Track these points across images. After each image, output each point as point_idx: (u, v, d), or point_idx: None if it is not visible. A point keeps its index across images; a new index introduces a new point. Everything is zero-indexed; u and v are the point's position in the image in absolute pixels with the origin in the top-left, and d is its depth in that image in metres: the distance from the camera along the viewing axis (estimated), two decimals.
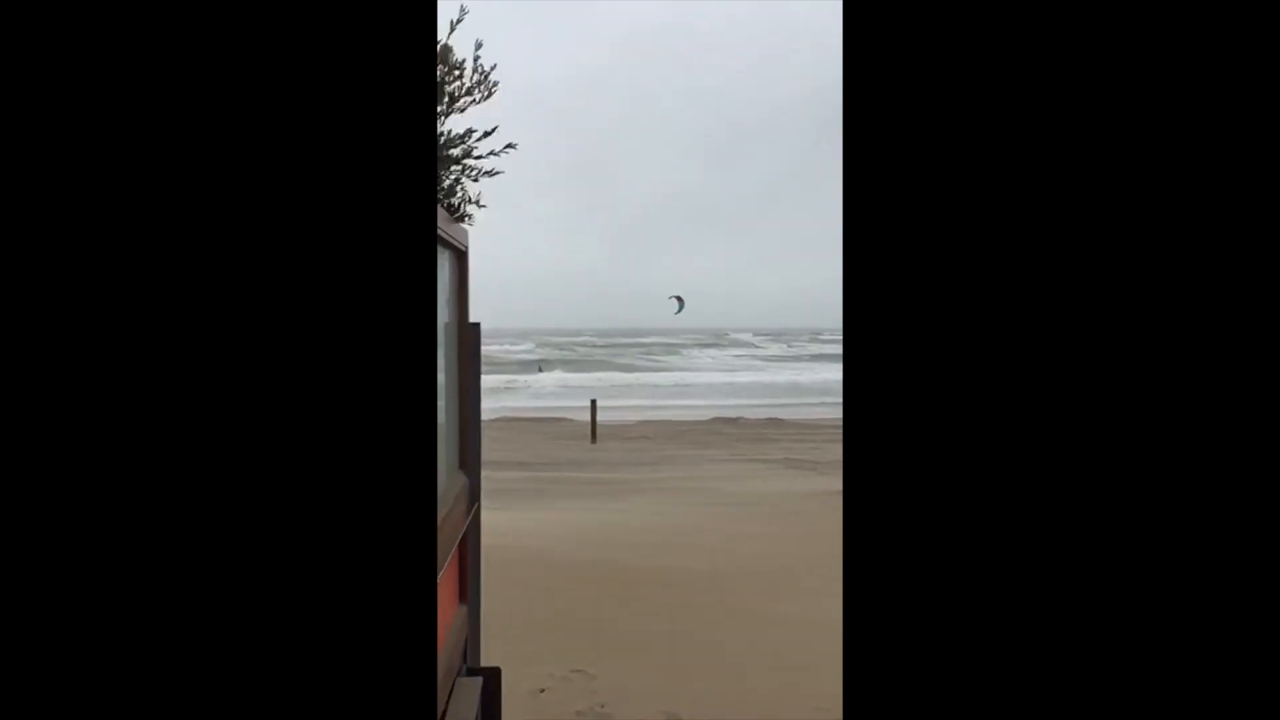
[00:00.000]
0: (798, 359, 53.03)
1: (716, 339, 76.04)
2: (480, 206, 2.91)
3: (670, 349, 61.35)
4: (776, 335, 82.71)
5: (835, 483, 12.20)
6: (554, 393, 31.04)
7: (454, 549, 2.67)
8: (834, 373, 39.17)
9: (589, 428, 17.88)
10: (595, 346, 63.95)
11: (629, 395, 30.09)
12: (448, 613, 2.58)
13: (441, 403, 2.54)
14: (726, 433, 18.95)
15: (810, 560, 7.57)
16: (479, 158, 2.83)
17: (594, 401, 18.20)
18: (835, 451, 15.82)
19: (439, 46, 2.66)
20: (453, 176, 2.86)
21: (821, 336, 74.62)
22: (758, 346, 67.20)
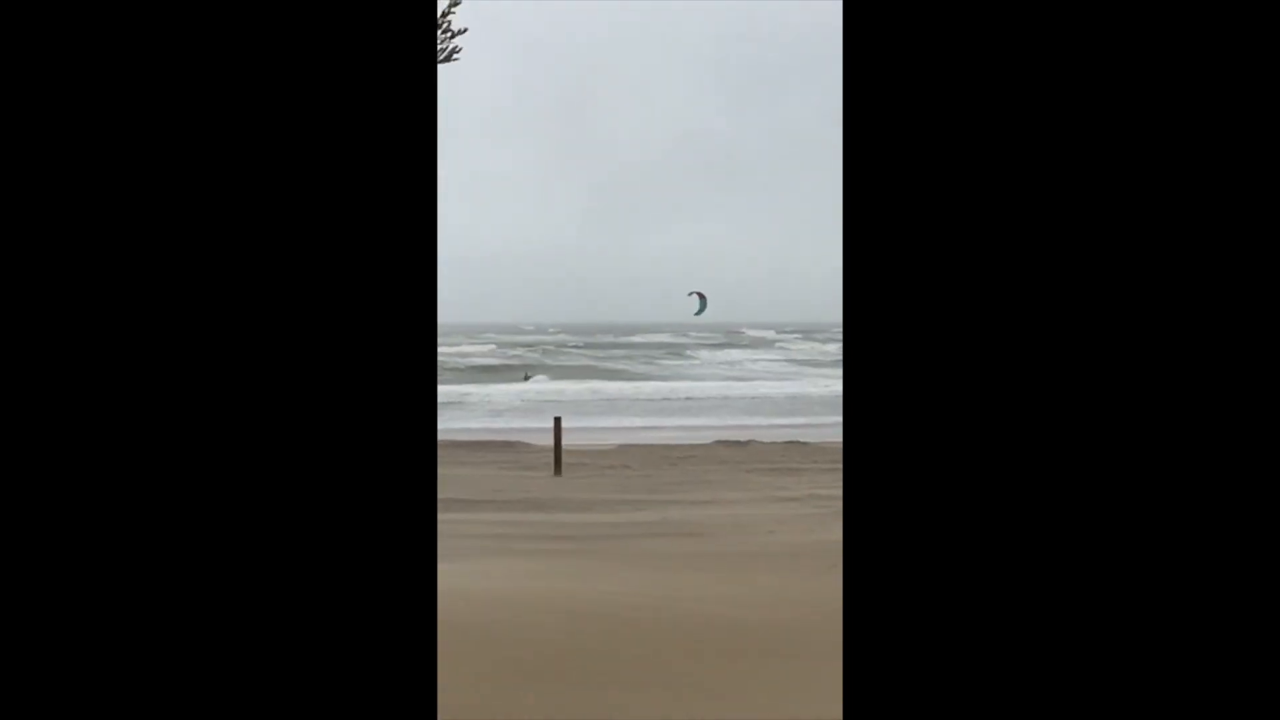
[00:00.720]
0: (833, 363, 44.90)
1: (730, 338, 65.52)
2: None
3: (671, 350, 53.69)
4: (808, 331, 74.00)
5: None
6: (515, 409, 26.23)
7: None
8: None
9: (552, 454, 13.85)
10: (572, 348, 55.31)
11: (608, 412, 25.60)
12: None
13: None
14: (732, 460, 14.97)
15: None
16: None
17: (558, 420, 14.13)
18: None
19: None
20: None
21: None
22: (783, 346, 58.73)
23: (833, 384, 33.18)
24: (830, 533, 8.75)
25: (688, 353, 52.25)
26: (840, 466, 11.22)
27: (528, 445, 17.13)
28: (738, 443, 17.51)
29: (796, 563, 7.47)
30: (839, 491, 11.33)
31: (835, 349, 52.63)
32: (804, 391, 31.27)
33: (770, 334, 70.28)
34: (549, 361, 43.86)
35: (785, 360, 48.11)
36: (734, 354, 51.71)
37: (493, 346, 50.82)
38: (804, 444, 17.16)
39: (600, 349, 53.48)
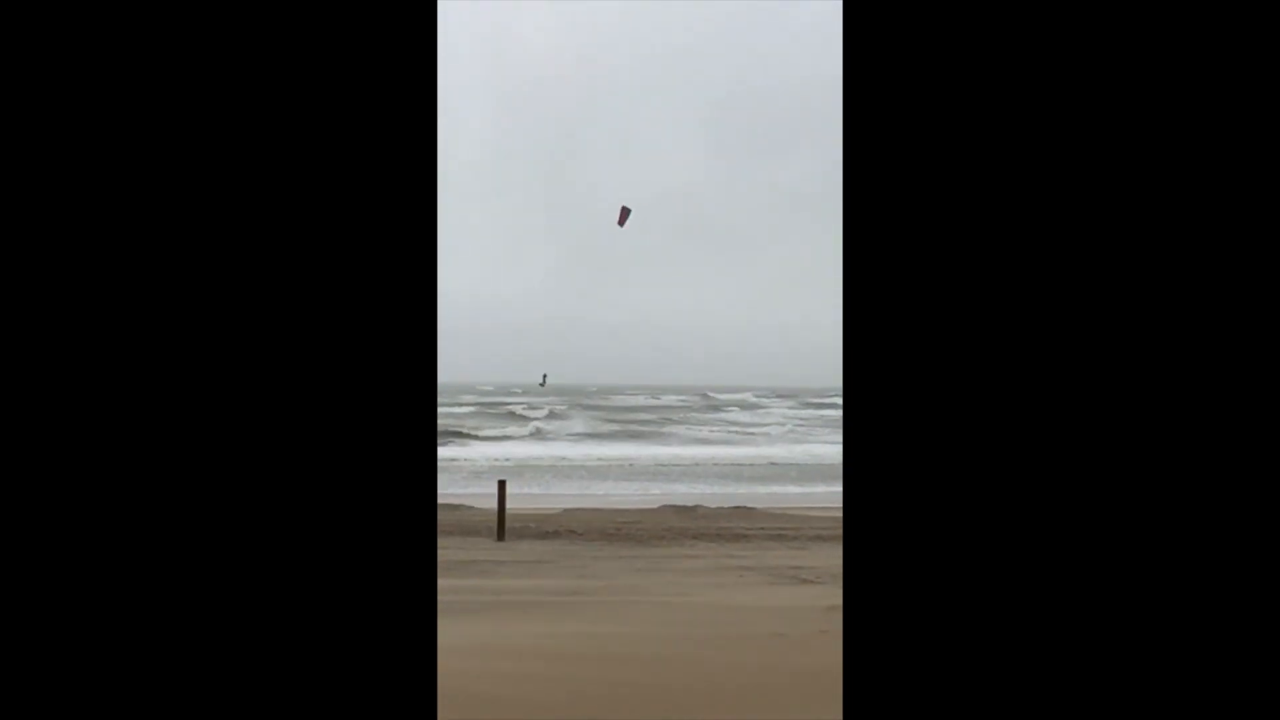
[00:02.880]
0: (804, 424, 45.65)
1: (699, 405, 64.56)
2: None
3: (637, 413, 53.57)
4: (794, 394, 74.22)
5: (826, 596, 8.42)
6: (460, 470, 26.32)
7: None
8: (832, 445, 34.63)
9: (495, 518, 13.87)
10: (533, 409, 54.99)
11: (561, 477, 25.69)
12: None
13: None
14: (678, 526, 15.11)
15: None
16: None
17: (502, 484, 14.19)
18: (823, 553, 11.96)
19: None
20: None
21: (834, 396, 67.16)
22: (760, 407, 58.94)
23: (794, 446, 33.64)
24: (773, 598, 8.95)
25: (644, 416, 52.17)
26: (792, 533, 11.53)
27: (471, 508, 17.12)
28: (685, 507, 17.68)
29: (733, 635, 7.65)
30: (792, 560, 11.55)
31: (813, 412, 53.32)
32: (756, 453, 31.62)
33: (746, 396, 70.61)
34: (495, 421, 43.73)
35: (747, 425, 48.28)
36: (699, 420, 51.72)
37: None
38: (750, 509, 17.41)
39: (564, 412, 53.06)
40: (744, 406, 59.83)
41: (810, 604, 8.52)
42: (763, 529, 14.59)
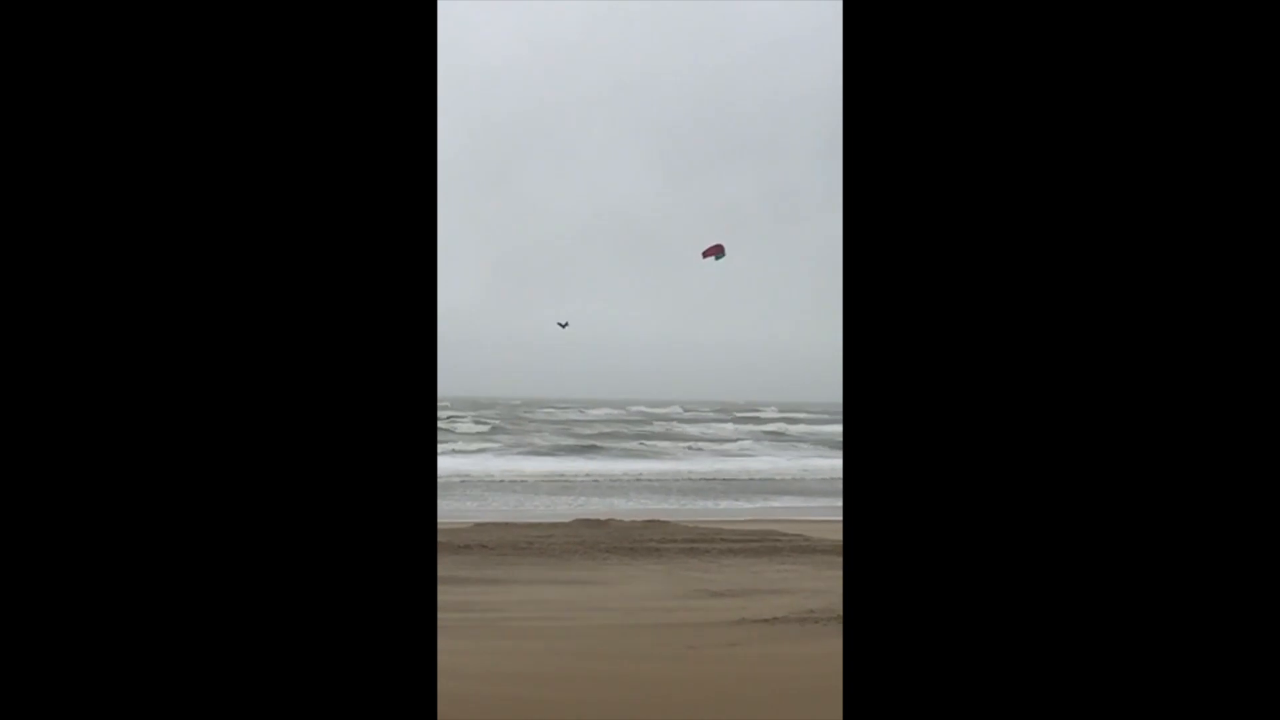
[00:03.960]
0: (733, 438, 45.82)
1: (626, 418, 63.80)
2: None
3: (563, 428, 53.14)
4: (724, 408, 74.62)
5: (736, 610, 8.42)
6: None
7: None
8: (763, 460, 34.91)
9: None
10: (455, 420, 54.81)
11: (481, 490, 25.37)
12: None
13: None
14: (590, 539, 15.11)
15: None
16: None
17: None
18: (734, 567, 12.10)
19: None
20: None
21: (766, 412, 66.92)
22: (688, 421, 58.35)
23: (720, 463, 33.93)
24: (686, 612, 9.02)
25: (577, 428, 51.83)
26: (703, 547, 11.68)
27: None
28: (598, 521, 17.68)
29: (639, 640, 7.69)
30: (696, 571, 11.65)
31: (736, 427, 53.68)
32: (683, 469, 31.79)
33: (674, 409, 70.66)
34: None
35: (671, 436, 48.49)
36: (630, 429, 51.83)
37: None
38: (664, 522, 17.51)
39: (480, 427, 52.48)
40: (672, 420, 60.06)
41: (721, 618, 8.61)
42: (675, 542, 14.69)
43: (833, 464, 34.38)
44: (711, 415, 64.63)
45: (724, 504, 22.89)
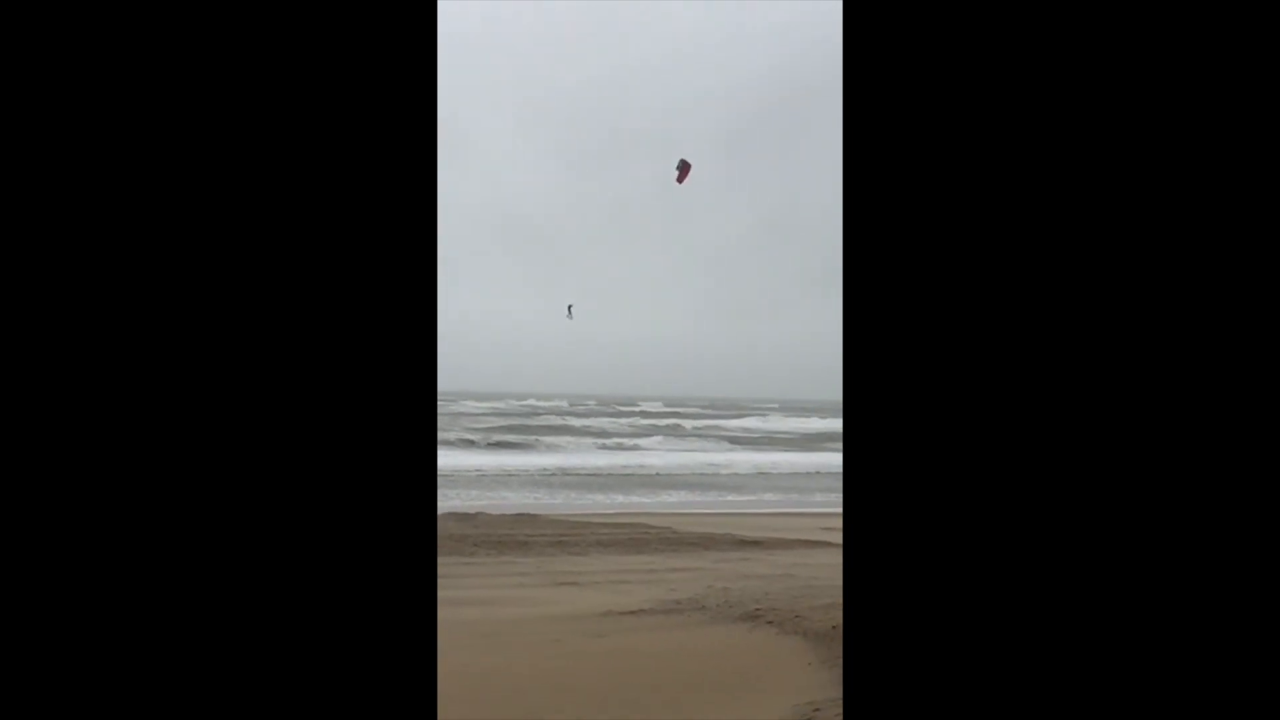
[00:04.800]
0: (617, 434, 45.81)
1: (509, 412, 62.79)
2: None
3: (449, 421, 51.93)
4: (608, 402, 74.11)
5: (603, 602, 8.55)
6: None
7: None
8: (636, 454, 34.96)
9: None
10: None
11: None
12: None
13: None
14: (458, 533, 14.95)
15: None
16: None
17: None
18: (603, 559, 12.22)
19: None
20: None
21: (652, 406, 67.02)
22: (573, 415, 57.98)
23: (602, 457, 33.88)
24: (554, 604, 9.06)
25: (463, 421, 50.75)
26: (574, 538, 11.72)
27: None
28: (466, 514, 17.50)
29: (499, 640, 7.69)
30: (564, 565, 11.70)
31: (620, 422, 53.58)
32: (562, 464, 31.65)
33: (563, 404, 69.90)
34: None
35: (544, 426, 48.21)
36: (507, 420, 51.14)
37: None
38: (534, 516, 17.49)
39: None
40: (558, 415, 59.65)
41: (587, 610, 8.68)
42: (544, 535, 14.70)
43: (728, 458, 34.99)
44: (599, 409, 64.72)
45: (598, 498, 23.00)
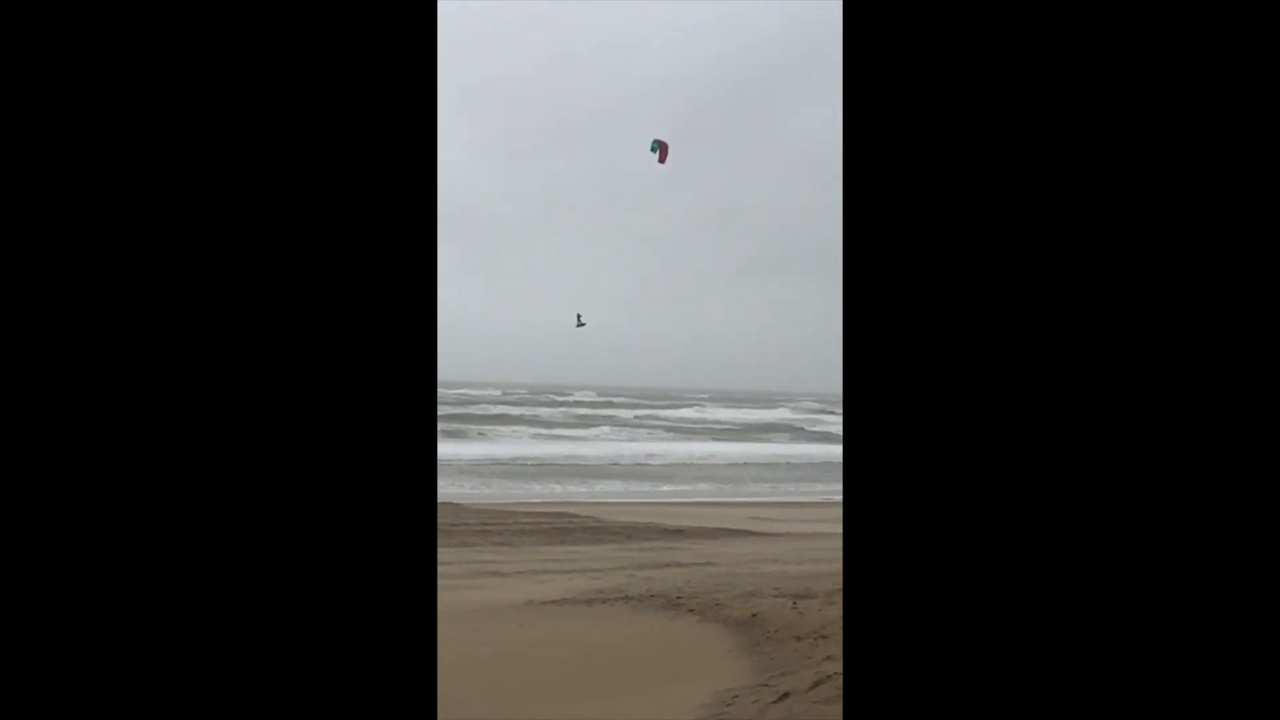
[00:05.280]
0: (538, 421, 45.15)
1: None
2: None
3: None
4: (536, 390, 73.26)
5: (526, 591, 8.47)
6: None
7: None
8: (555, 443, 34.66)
9: None
10: None
11: None
12: None
13: None
14: None
15: None
16: None
17: None
18: (527, 548, 12.17)
19: None
20: None
21: (584, 396, 65.92)
22: (495, 402, 57.23)
23: (527, 447, 33.52)
24: (477, 594, 8.98)
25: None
26: (491, 528, 11.54)
27: None
28: None
29: None
30: (486, 554, 11.62)
31: (540, 411, 53.04)
32: (487, 452, 31.30)
33: (493, 393, 68.98)
34: None
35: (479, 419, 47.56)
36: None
37: None
38: (456, 505, 17.32)
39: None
40: (490, 403, 58.93)
41: (509, 599, 8.63)
42: (466, 524, 14.57)
43: (663, 447, 34.97)
44: (530, 398, 64.30)
45: (530, 487, 22.87)
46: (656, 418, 51.15)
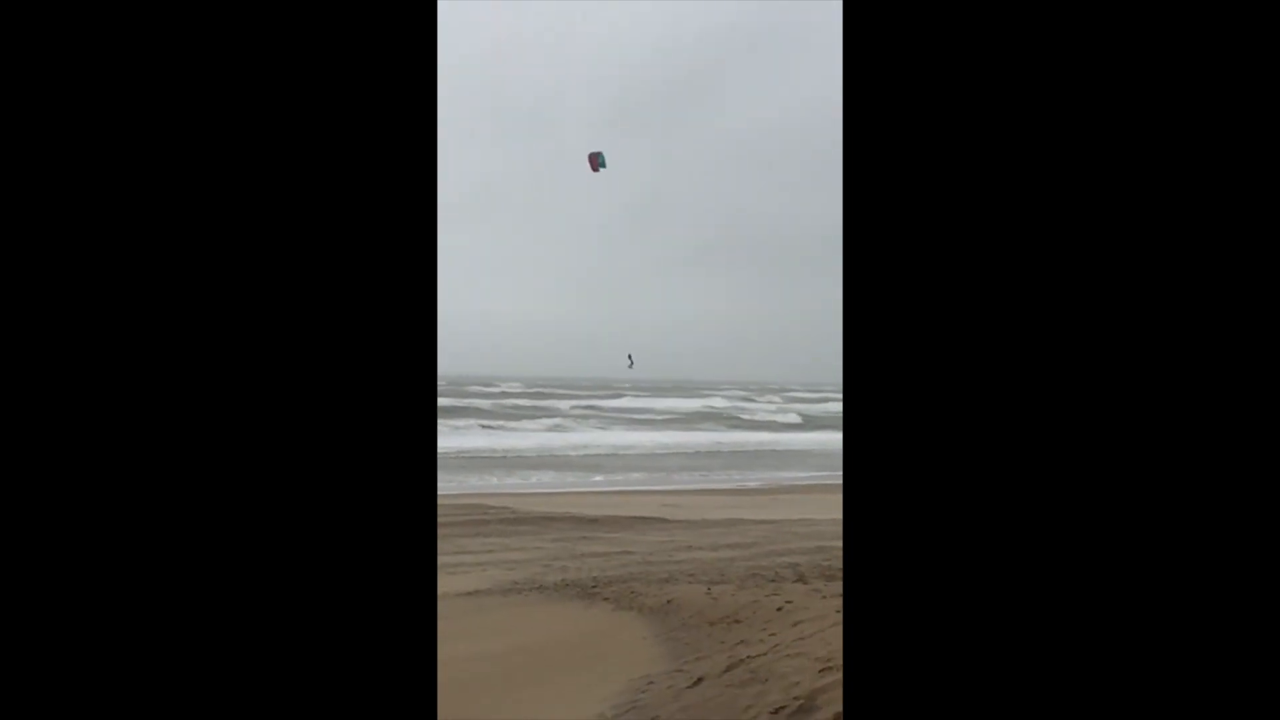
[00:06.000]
0: (460, 414, 44.11)
1: None
2: None
3: None
4: (459, 382, 71.86)
5: (457, 584, 8.47)
6: None
7: None
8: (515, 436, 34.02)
9: None
10: None
11: None
12: None
13: None
14: None
15: None
16: None
17: None
18: (454, 540, 12.01)
19: None
20: None
21: (509, 387, 64.51)
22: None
23: (452, 440, 32.83)
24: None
25: None
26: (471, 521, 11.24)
27: None
28: None
29: None
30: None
31: (462, 402, 52.02)
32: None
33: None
34: None
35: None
36: None
37: None
38: None
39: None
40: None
41: (447, 590, 8.51)
42: None
43: (592, 438, 34.66)
44: (453, 389, 63.39)
45: (448, 480, 22.55)
46: (586, 408, 50.88)
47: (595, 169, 10.07)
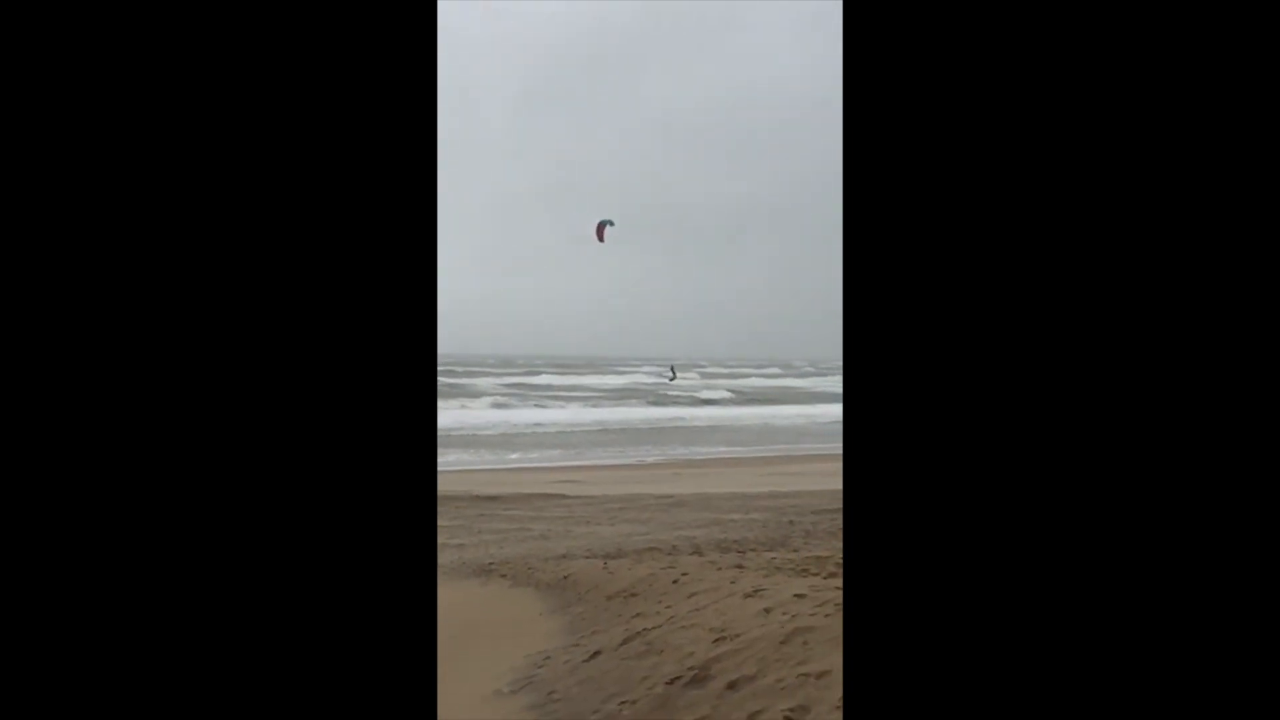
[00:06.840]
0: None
1: None
2: None
3: None
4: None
5: None
6: None
7: None
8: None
9: None
10: None
11: None
12: None
13: None
14: None
15: None
16: None
17: None
18: None
19: None
20: None
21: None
22: None
23: None
24: None
25: None
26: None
27: None
28: None
29: None
30: None
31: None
32: None
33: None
34: None
35: None
36: None
37: None
38: None
39: None
40: None
41: None
42: None
43: (506, 416, 33.99)
44: None
45: None
46: (507, 386, 50.08)
47: (601, 238, 10.47)
